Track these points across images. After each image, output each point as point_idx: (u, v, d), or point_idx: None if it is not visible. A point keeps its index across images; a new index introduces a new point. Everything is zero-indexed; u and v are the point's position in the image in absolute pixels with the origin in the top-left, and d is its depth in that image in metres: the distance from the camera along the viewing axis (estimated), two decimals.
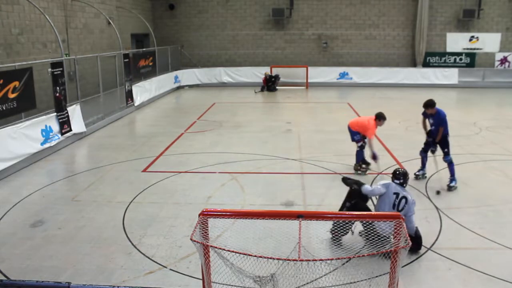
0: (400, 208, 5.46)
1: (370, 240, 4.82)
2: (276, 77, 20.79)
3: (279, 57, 22.93)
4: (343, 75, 22.00)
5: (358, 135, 8.67)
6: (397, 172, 5.74)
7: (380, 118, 8.40)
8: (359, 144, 8.65)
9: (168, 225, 6.41)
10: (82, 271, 5.19)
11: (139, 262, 5.40)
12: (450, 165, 7.77)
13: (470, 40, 21.99)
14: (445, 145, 7.85)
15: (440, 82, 21.35)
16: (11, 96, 8.83)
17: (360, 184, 5.87)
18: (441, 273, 5.12)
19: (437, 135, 7.86)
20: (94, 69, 13.26)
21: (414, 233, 5.46)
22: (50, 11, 13.19)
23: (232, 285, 4.09)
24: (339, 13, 22.34)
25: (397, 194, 5.52)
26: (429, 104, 7.83)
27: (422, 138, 8.34)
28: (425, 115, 8.10)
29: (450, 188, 7.66)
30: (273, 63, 22.44)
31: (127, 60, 14.90)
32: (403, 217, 5.31)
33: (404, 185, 5.69)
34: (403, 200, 5.48)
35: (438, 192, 7.45)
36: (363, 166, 8.71)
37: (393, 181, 5.70)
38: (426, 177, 8.25)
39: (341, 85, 21.72)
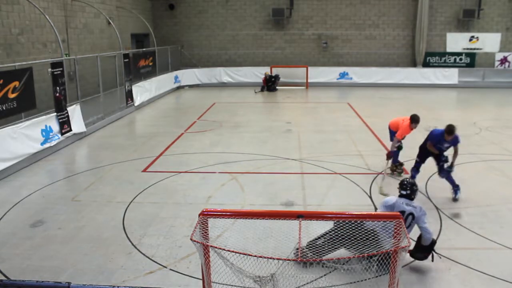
0: (406, 226, 4.91)
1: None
2: (276, 77, 20.79)
3: (279, 57, 22.93)
4: (343, 75, 22.00)
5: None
6: (404, 183, 5.31)
7: (412, 120, 8.20)
8: (396, 144, 8.45)
9: (168, 225, 6.41)
10: (82, 271, 5.19)
11: (139, 262, 5.40)
12: (449, 179, 7.37)
13: (470, 40, 21.99)
14: (441, 159, 7.42)
15: (440, 82, 21.35)
16: (11, 96, 8.83)
17: None
18: (441, 273, 5.12)
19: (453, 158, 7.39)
20: (94, 69, 13.26)
21: (430, 243, 5.13)
22: (50, 11, 13.19)
23: (232, 285, 4.09)
24: (339, 13, 22.34)
25: (402, 212, 5.02)
26: (453, 130, 7.12)
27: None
28: (435, 141, 7.41)
29: (456, 200, 7.29)
30: (273, 63, 22.44)
31: (127, 60, 14.91)
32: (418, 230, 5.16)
33: (412, 197, 5.26)
34: (409, 217, 5.08)
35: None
36: (399, 167, 8.62)
37: (399, 192, 5.31)
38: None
39: (341, 85, 21.72)
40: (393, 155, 8.50)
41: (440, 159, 7.41)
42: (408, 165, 8.95)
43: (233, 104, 17.08)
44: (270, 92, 20.30)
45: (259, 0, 22.38)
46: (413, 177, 7.52)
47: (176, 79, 21.13)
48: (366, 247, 4.50)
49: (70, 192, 7.90)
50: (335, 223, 4.96)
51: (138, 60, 16.80)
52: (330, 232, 5.04)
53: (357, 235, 4.47)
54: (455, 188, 7.34)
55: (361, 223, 4.58)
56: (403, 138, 8.46)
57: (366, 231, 4.68)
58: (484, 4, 21.36)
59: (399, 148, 8.49)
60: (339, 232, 4.62)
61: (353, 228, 4.42)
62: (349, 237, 4.48)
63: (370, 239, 4.55)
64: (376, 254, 4.35)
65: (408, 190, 5.26)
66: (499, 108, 16.99)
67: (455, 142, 7.28)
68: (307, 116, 14.83)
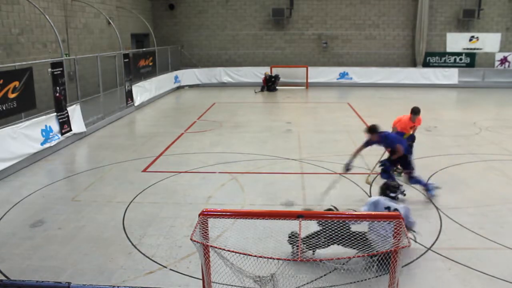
0: None
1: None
2: (276, 77, 20.79)
3: (279, 57, 22.93)
4: (343, 75, 22.00)
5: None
6: (394, 185, 5.52)
7: (412, 112, 8.33)
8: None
9: (168, 225, 6.41)
10: (82, 271, 5.19)
11: (139, 262, 5.40)
12: (419, 183, 7.21)
13: (470, 40, 21.99)
14: (407, 166, 7.24)
15: (440, 82, 21.36)
16: (11, 96, 8.83)
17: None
18: (441, 273, 5.12)
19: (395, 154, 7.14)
20: (94, 69, 13.26)
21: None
22: (50, 11, 13.19)
23: (232, 285, 4.09)
24: (339, 13, 22.34)
25: (388, 208, 5.20)
26: (371, 130, 7.04)
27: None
28: (367, 144, 7.28)
29: (432, 197, 7.13)
30: (273, 63, 22.44)
31: (127, 60, 14.90)
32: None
33: (397, 198, 5.44)
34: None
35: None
36: (399, 167, 8.64)
37: (388, 194, 5.43)
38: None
39: (341, 85, 21.72)
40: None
41: (405, 167, 7.30)
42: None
43: (233, 104, 17.08)
44: (270, 92, 20.30)
45: (259, 0, 22.38)
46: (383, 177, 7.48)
47: (176, 79, 21.12)
48: (355, 247, 4.53)
49: (70, 192, 7.90)
50: (319, 224, 5.00)
51: (138, 60, 16.80)
52: (319, 233, 5.07)
53: (345, 237, 4.47)
54: (427, 186, 7.19)
55: (347, 224, 4.61)
56: (408, 137, 8.48)
57: (354, 233, 4.73)
58: (484, 4, 21.36)
59: None
60: (326, 234, 4.64)
61: (339, 229, 4.40)
62: (337, 238, 4.49)
63: (358, 239, 4.61)
64: (376, 254, 4.36)
65: (397, 193, 5.48)
66: (499, 108, 16.99)
67: (386, 143, 7.14)
68: (307, 116, 14.83)
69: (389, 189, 5.49)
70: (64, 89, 10.75)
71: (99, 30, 16.51)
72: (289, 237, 5.32)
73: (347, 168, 7.25)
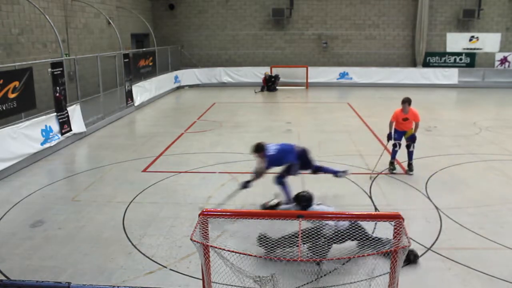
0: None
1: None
2: (276, 77, 20.79)
3: (279, 57, 22.93)
4: (343, 75, 22.01)
5: (396, 134, 8.59)
6: (307, 195, 5.82)
7: (401, 102, 8.49)
8: (393, 142, 8.55)
9: (168, 225, 6.41)
10: (82, 271, 5.19)
11: (139, 262, 5.40)
12: (282, 188, 6.92)
13: (470, 40, 21.99)
14: (287, 168, 6.97)
15: (440, 82, 21.36)
16: (11, 96, 8.83)
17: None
18: (441, 273, 5.12)
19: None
20: (94, 69, 13.26)
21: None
22: (50, 11, 13.19)
23: (232, 285, 4.09)
24: (339, 13, 22.34)
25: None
26: (255, 149, 6.74)
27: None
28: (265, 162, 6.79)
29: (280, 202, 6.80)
30: (273, 63, 22.44)
31: (127, 60, 14.91)
32: None
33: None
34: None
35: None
36: (395, 164, 8.72)
37: (313, 204, 5.73)
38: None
39: (341, 85, 21.72)
40: (391, 138, 8.56)
41: (286, 168, 7.04)
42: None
43: (233, 104, 17.08)
44: (270, 92, 20.30)
45: (259, 0, 22.38)
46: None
47: (176, 79, 21.13)
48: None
49: (70, 192, 7.90)
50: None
51: (138, 60, 16.81)
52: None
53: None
54: (286, 197, 6.90)
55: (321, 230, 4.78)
56: (408, 137, 8.50)
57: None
58: (484, 4, 21.36)
59: (395, 145, 8.55)
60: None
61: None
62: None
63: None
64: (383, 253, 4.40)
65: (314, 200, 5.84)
66: (499, 108, 17.00)
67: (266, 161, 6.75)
68: (307, 116, 14.83)
69: (313, 200, 5.78)
70: (64, 89, 10.76)
71: (99, 30, 16.52)
72: (259, 239, 5.18)
73: (244, 186, 6.86)
